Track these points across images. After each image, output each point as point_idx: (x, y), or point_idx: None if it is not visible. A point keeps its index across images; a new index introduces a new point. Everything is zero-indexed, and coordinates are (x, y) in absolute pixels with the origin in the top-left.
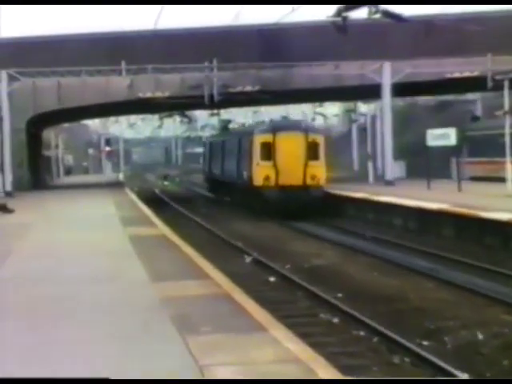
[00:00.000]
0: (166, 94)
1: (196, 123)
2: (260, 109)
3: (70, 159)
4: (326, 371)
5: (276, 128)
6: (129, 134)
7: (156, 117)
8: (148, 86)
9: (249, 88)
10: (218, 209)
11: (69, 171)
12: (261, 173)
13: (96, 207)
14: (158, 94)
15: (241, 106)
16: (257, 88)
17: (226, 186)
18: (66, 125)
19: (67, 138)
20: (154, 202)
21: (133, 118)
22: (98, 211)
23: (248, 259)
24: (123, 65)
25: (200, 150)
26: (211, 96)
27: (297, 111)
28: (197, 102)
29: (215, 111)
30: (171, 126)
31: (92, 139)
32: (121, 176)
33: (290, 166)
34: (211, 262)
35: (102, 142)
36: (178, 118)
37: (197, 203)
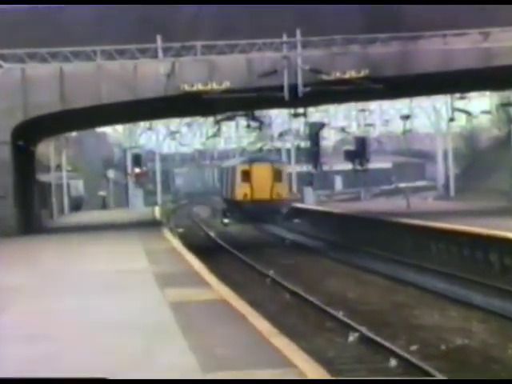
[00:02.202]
0: (225, 85)
1: (271, 129)
2: (369, 105)
3: (79, 186)
4: None
5: (252, 161)
6: (169, 147)
7: (210, 120)
8: (197, 73)
9: (351, 74)
10: (302, 258)
11: (78, 205)
12: (241, 191)
13: (117, 260)
14: (213, 86)
15: (339, 101)
16: (363, 74)
17: (228, 203)
18: (73, 134)
19: (75, 154)
20: (208, 250)
21: (175, 123)
22: (121, 266)
23: (352, 337)
24: (159, 42)
25: None
26: (294, 87)
27: (425, 107)
28: (272, 97)
29: (300, 110)
30: (233, 134)
31: (113, 156)
32: (157, 211)
33: (261, 186)
34: (295, 341)
35: (129, 159)
36: (243, 122)
37: (273, 251)
